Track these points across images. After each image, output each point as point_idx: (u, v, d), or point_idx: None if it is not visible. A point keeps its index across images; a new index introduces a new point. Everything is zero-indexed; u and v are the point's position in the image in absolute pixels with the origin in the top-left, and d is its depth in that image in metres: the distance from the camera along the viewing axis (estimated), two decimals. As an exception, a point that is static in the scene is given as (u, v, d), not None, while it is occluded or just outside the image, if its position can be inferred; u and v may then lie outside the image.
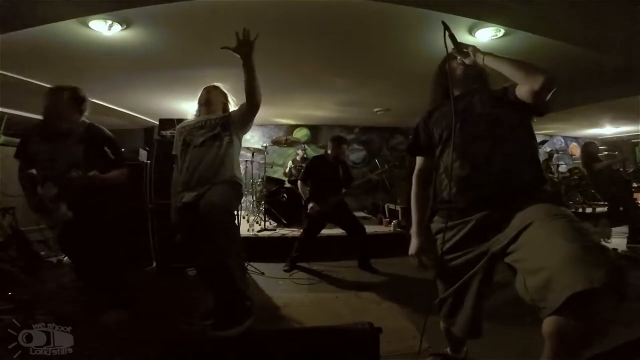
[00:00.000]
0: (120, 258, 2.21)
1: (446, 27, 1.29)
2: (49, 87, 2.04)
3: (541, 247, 0.97)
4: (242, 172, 2.00)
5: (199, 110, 2.07)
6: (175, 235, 1.91)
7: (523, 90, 1.14)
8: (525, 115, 1.23)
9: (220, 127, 1.89)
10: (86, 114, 2.06)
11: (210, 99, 2.03)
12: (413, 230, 1.40)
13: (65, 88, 1.98)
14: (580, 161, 4.92)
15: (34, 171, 1.95)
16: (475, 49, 1.26)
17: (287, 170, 5.57)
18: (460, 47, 1.29)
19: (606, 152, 4.52)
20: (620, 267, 0.89)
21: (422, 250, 1.36)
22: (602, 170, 4.18)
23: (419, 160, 1.44)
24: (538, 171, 1.22)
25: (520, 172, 1.16)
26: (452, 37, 1.30)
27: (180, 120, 2.17)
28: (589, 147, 4.38)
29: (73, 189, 1.84)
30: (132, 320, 1.95)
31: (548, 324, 0.91)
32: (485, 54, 1.22)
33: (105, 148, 1.98)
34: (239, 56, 1.68)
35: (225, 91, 2.12)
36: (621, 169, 4.68)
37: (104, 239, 2.00)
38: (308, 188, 3.38)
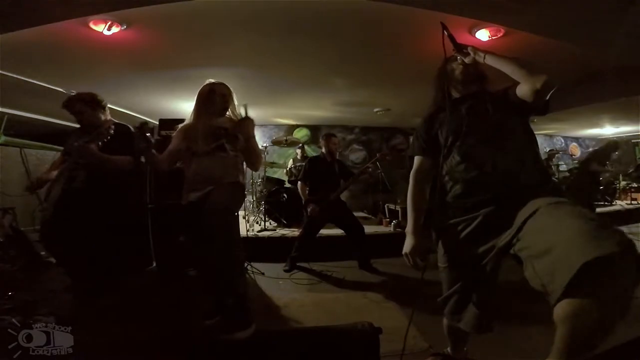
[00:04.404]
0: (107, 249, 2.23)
1: (444, 28, 1.30)
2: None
3: (547, 229, 0.97)
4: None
5: (205, 108, 1.90)
6: (174, 233, 1.90)
7: (524, 89, 1.15)
8: (525, 115, 1.25)
9: (226, 140, 1.86)
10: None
11: (223, 104, 1.91)
12: (408, 229, 1.39)
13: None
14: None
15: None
16: (475, 48, 1.26)
17: (287, 168, 5.58)
18: (460, 47, 1.30)
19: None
20: (630, 239, 0.86)
21: (415, 250, 1.35)
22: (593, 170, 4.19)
23: (417, 159, 1.43)
24: (542, 170, 1.24)
25: (525, 173, 1.17)
26: (451, 38, 1.31)
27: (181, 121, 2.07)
28: (606, 148, 4.38)
29: (76, 158, 2.04)
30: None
31: (561, 307, 0.86)
32: (485, 52, 1.23)
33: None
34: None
35: (233, 95, 1.98)
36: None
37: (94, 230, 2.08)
38: (308, 189, 3.40)
